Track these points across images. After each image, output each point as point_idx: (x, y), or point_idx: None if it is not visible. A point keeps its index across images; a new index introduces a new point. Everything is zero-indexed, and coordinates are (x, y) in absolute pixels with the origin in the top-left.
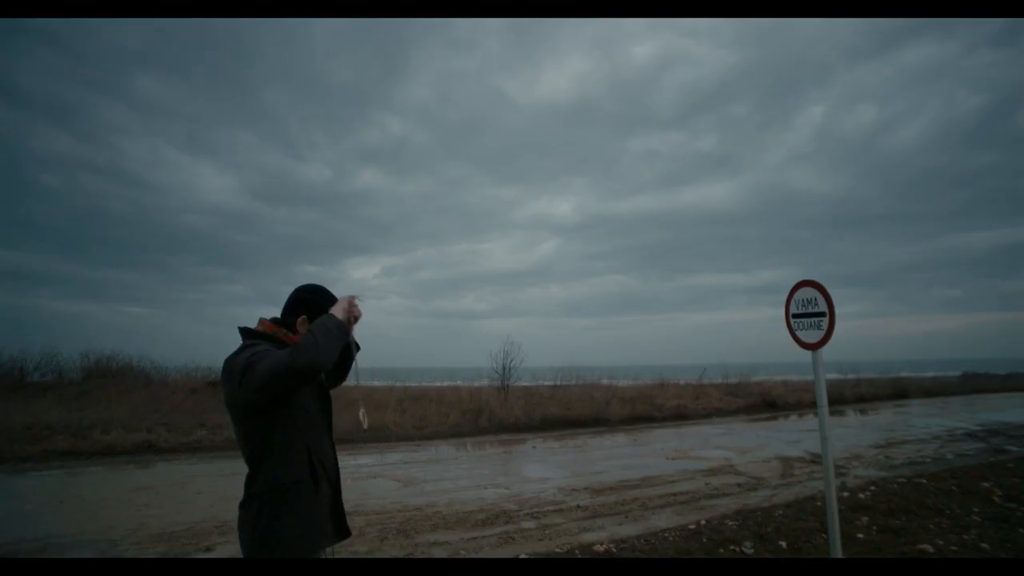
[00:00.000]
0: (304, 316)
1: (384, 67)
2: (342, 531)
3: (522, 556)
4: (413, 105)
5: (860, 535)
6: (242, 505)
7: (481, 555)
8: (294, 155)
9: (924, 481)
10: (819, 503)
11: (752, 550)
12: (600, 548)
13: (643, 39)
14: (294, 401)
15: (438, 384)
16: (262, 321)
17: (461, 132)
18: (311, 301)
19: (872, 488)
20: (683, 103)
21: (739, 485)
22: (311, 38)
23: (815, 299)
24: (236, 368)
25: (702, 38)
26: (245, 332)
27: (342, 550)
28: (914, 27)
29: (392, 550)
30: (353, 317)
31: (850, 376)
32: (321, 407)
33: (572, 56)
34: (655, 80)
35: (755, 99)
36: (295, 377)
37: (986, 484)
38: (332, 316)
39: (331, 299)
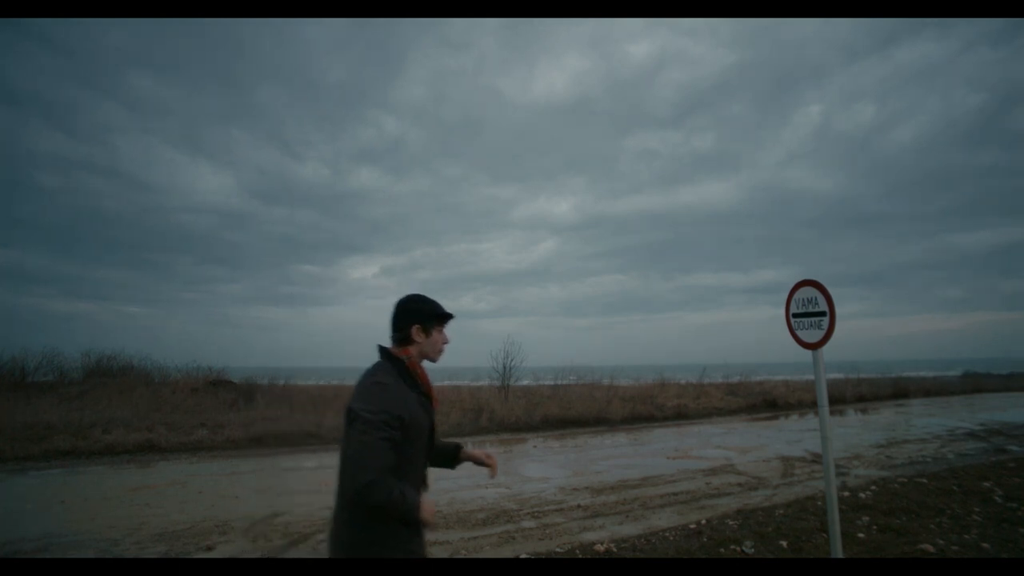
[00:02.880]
0: (417, 324)
1: (378, 66)
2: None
3: (523, 556)
4: (409, 104)
5: (861, 535)
6: (338, 517)
7: (481, 555)
8: (291, 154)
9: (925, 481)
10: (820, 503)
11: (753, 550)
12: (601, 548)
13: (640, 38)
14: (414, 433)
15: (438, 383)
16: (382, 347)
17: (458, 131)
18: (419, 310)
19: (873, 488)
20: (680, 102)
21: (740, 485)
22: (305, 37)
23: (815, 299)
24: (369, 400)
25: (699, 37)
26: (382, 352)
27: None
28: (911, 26)
29: None
30: (424, 522)
31: (851, 376)
32: (431, 433)
33: (568, 55)
34: (652, 79)
35: (753, 98)
36: (356, 493)
37: (987, 484)
38: (415, 512)
39: (434, 305)
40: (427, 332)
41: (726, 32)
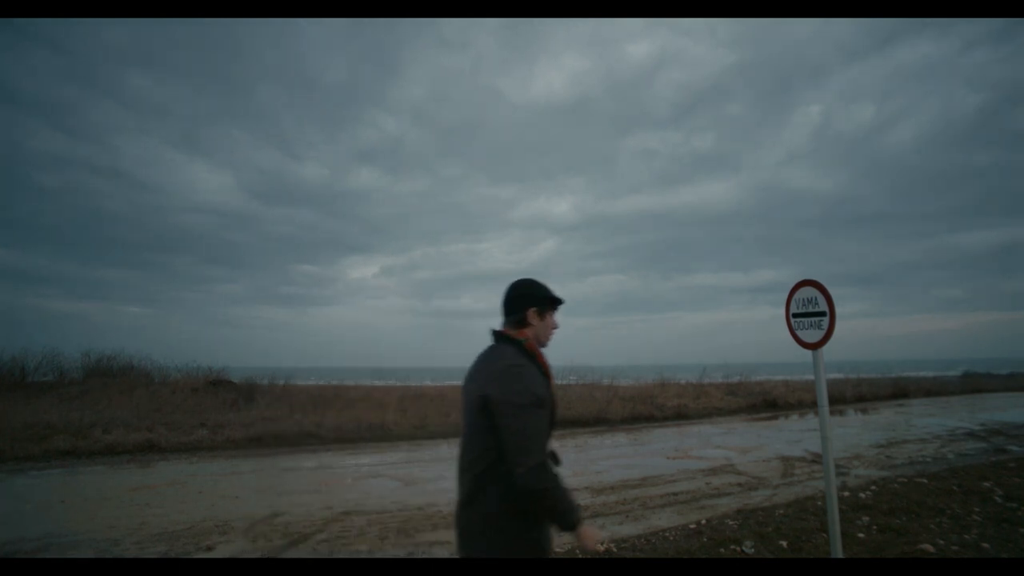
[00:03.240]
0: (534, 308)
1: (377, 66)
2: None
3: None
4: (408, 104)
5: (861, 535)
6: (468, 504)
7: None
8: (290, 154)
9: (925, 481)
10: (820, 503)
11: (753, 550)
12: (600, 548)
13: (639, 38)
14: (547, 411)
15: (439, 383)
16: (498, 330)
17: (456, 131)
18: (535, 294)
19: (873, 488)
20: (680, 102)
21: (740, 485)
22: (304, 37)
23: (815, 298)
24: (511, 384)
25: (698, 37)
26: (499, 335)
27: (342, 550)
28: (911, 25)
29: (393, 549)
30: (582, 542)
31: (851, 376)
32: (554, 410)
33: (567, 55)
34: (652, 79)
35: (752, 98)
36: (524, 477)
37: (987, 484)
38: (574, 513)
39: (547, 289)
40: (542, 316)
41: (725, 32)
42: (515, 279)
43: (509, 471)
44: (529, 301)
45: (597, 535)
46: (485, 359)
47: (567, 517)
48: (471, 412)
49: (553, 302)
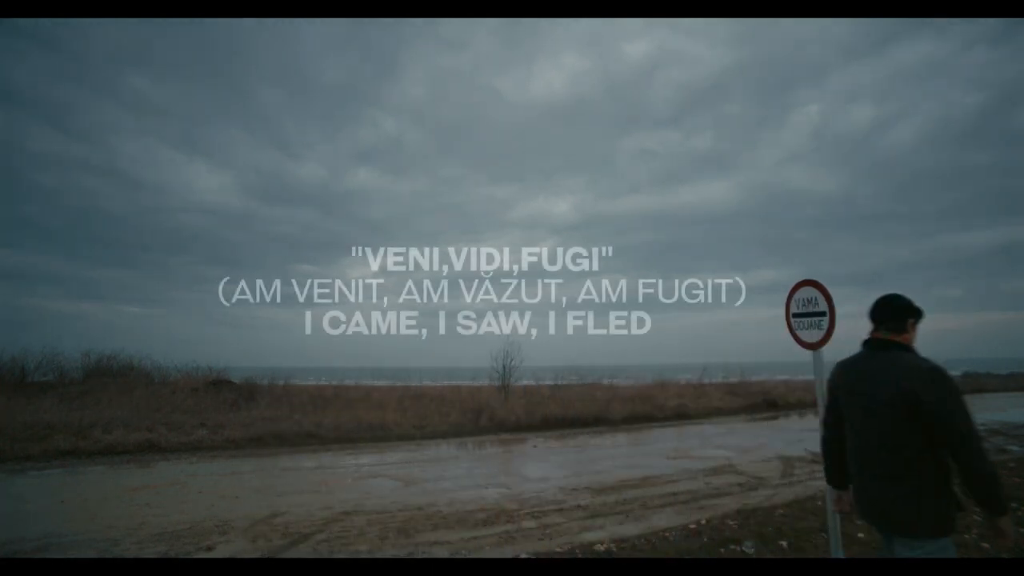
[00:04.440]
0: (912, 318)
1: (376, 66)
2: None
3: (523, 555)
4: (407, 104)
5: (861, 535)
6: (894, 482)
7: (482, 555)
8: (289, 154)
9: None
10: (820, 503)
11: (753, 550)
12: (601, 547)
13: (637, 37)
14: None
15: (439, 384)
16: (882, 337)
17: (456, 131)
18: (912, 306)
19: None
20: (679, 102)
21: (740, 484)
22: (303, 38)
23: (815, 299)
24: (945, 383)
25: (697, 37)
26: (887, 342)
27: (342, 550)
28: (909, 25)
29: (393, 549)
30: (1000, 533)
31: None
32: None
33: (566, 54)
34: (650, 79)
35: (751, 98)
36: (978, 469)
37: None
38: (1006, 512)
39: (915, 303)
40: (916, 325)
41: (724, 32)
42: (888, 293)
43: (953, 455)
44: (910, 312)
45: (1012, 535)
46: (890, 363)
47: (1002, 501)
48: (891, 409)
49: (921, 314)
